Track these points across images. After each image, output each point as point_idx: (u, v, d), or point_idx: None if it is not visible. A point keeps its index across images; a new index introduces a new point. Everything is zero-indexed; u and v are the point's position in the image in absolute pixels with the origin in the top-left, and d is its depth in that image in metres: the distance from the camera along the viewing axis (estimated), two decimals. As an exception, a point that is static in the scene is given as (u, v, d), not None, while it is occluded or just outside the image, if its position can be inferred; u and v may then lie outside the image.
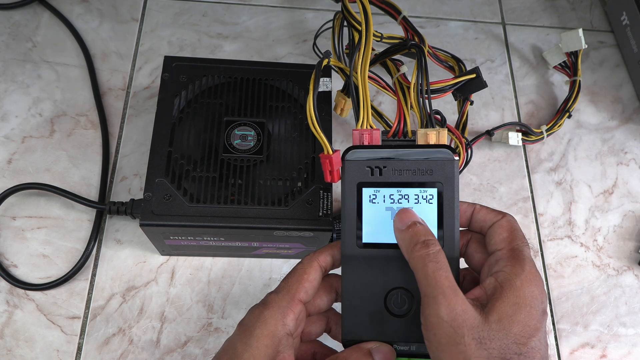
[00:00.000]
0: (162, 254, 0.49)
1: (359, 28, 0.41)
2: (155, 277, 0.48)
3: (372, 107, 0.45)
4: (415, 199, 0.33)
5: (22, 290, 0.47)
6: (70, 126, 0.54)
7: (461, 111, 0.50)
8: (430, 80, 0.39)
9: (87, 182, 0.51)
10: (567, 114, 0.58)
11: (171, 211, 0.41)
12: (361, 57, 0.39)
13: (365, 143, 0.35)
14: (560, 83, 0.64)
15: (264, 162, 0.44)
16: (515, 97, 0.62)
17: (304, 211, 0.42)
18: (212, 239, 0.44)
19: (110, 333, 0.46)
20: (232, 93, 0.46)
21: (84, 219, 0.50)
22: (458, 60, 0.49)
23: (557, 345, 0.50)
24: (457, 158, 0.33)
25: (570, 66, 0.61)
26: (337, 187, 0.53)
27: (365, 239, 0.33)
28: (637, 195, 0.58)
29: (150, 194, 0.41)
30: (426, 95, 0.36)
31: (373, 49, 0.41)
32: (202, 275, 0.49)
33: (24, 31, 0.58)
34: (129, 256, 0.49)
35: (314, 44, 0.59)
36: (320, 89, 0.47)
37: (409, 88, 0.39)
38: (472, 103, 0.50)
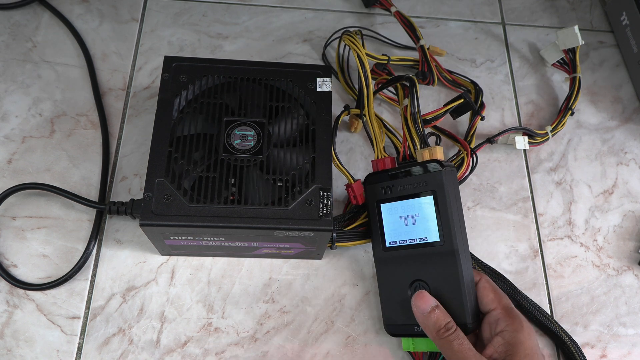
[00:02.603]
0: (162, 254, 0.49)
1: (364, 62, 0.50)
2: (155, 277, 0.48)
3: (387, 128, 0.55)
4: (419, 206, 0.43)
5: (22, 290, 0.47)
6: (70, 126, 0.54)
7: (471, 124, 0.55)
8: (425, 112, 0.48)
9: (87, 182, 0.51)
10: (570, 111, 0.58)
11: (171, 211, 0.41)
12: (366, 106, 0.50)
13: (380, 169, 0.46)
14: (560, 83, 0.64)
15: (264, 162, 0.44)
16: (515, 97, 0.62)
17: (304, 211, 0.42)
18: (212, 239, 0.44)
19: (110, 333, 0.46)
20: (232, 93, 0.46)
21: (84, 219, 0.50)
22: (475, 85, 0.57)
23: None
24: (444, 166, 0.41)
25: (568, 63, 0.61)
26: (336, 187, 0.53)
27: (387, 244, 0.44)
28: (637, 195, 0.58)
29: (150, 194, 0.41)
30: (420, 123, 0.45)
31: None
32: (202, 275, 0.49)
33: (24, 31, 0.58)
34: (129, 256, 0.49)
35: (323, 54, 0.60)
36: (319, 89, 0.47)
37: (406, 118, 0.47)
38: (482, 119, 0.54)
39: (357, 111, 0.52)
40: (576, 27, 0.57)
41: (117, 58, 0.58)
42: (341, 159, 0.56)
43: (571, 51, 0.60)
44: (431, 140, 0.53)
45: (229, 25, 0.62)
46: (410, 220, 0.43)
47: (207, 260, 0.49)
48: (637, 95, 0.64)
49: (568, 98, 0.59)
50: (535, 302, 0.50)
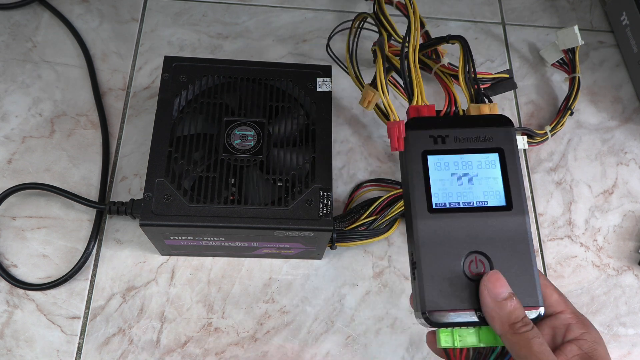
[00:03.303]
0: (162, 254, 0.49)
1: (388, 29, 0.46)
2: (155, 277, 0.48)
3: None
4: (479, 164, 0.35)
5: (22, 290, 0.47)
6: (70, 126, 0.54)
7: None
8: (479, 72, 0.45)
9: (87, 182, 0.51)
10: (569, 111, 0.58)
11: (171, 211, 0.41)
12: (412, 41, 0.43)
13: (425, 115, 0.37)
14: (559, 82, 0.63)
15: (264, 162, 0.44)
16: (515, 97, 0.62)
17: (304, 211, 0.42)
18: (212, 239, 0.44)
19: (110, 333, 0.46)
20: (232, 93, 0.46)
21: (84, 219, 0.50)
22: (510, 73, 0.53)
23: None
24: (514, 125, 0.35)
25: (568, 63, 0.61)
26: (337, 187, 0.53)
27: (435, 205, 0.35)
28: (637, 195, 0.58)
29: (150, 194, 0.41)
30: (474, 80, 0.40)
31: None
32: (202, 275, 0.49)
33: (24, 31, 0.58)
34: (129, 256, 0.49)
35: (328, 44, 0.59)
36: (319, 89, 0.47)
37: (451, 75, 0.42)
38: None
39: (389, 53, 0.46)
40: (576, 27, 0.57)
41: (117, 58, 0.58)
42: (341, 159, 0.56)
43: (571, 51, 0.60)
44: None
45: (229, 25, 0.62)
46: (466, 180, 0.35)
47: (207, 260, 0.49)
48: (637, 95, 0.64)
49: (567, 98, 0.59)
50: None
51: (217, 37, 0.61)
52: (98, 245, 0.49)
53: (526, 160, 0.58)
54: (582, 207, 0.57)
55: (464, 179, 0.35)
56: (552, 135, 0.57)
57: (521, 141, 0.56)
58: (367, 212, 0.49)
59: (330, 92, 0.47)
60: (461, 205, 0.35)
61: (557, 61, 0.62)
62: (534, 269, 0.33)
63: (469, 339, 0.33)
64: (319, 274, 0.50)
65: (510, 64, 0.64)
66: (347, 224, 0.49)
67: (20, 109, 0.54)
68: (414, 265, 0.34)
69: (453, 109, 0.38)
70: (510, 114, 0.61)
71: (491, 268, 0.33)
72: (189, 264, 0.49)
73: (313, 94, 0.47)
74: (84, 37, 0.58)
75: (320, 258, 0.50)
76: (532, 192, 0.57)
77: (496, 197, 0.35)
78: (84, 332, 0.46)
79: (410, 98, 0.39)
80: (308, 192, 0.43)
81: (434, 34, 0.65)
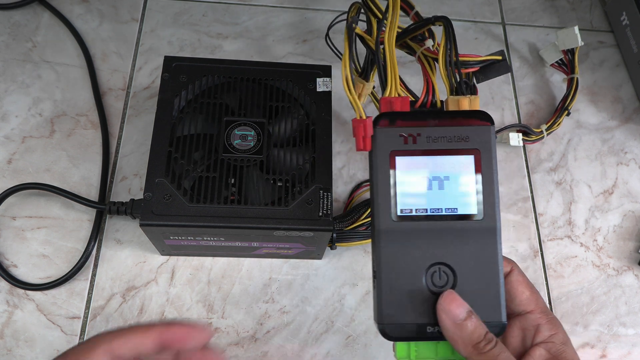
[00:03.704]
0: (162, 254, 0.49)
1: (379, 16, 0.41)
2: (155, 277, 0.48)
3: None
4: (452, 167, 0.32)
5: (22, 290, 0.47)
6: (70, 126, 0.54)
7: None
8: (464, 54, 0.38)
9: (87, 182, 0.51)
10: (566, 112, 0.58)
11: (171, 211, 0.41)
12: (389, 23, 0.38)
13: (396, 110, 0.33)
14: (559, 83, 0.63)
15: (264, 162, 0.44)
16: (515, 97, 0.62)
17: (304, 211, 0.42)
18: (212, 239, 0.44)
19: (110, 333, 0.46)
20: (232, 93, 0.46)
21: (84, 219, 0.50)
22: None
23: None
24: (493, 124, 0.32)
25: (567, 64, 0.61)
26: (337, 187, 0.53)
27: (399, 212, 0.32)
28: (637, 195, 0.58)
29: (150, 194, 0.41)
30: (455, 67, 0.35)
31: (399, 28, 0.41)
32: (202, 275, 0.49)
33: (24, 31, 0.58)
34: (129, 256, 0.49)
35: (327, 34, 0.58)
36: (319, 89, 0.47)
37: (435, 59, 0.38)
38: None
39: (364, 34, 0.42)
40: (576, 28, 0.57)
41: (117, 58, 0.58)
42: (341, 159, 0.56)
43: (570, 52, 0.60)
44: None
45: (229, 25, 0.62)
46: (437, 184, 0.32)
47: (207, 260, 0.49)
48: (637, 95, 0.64)
49: (565, 98, 0.59)
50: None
51: (217, 37, 0.61)
52: (98, 245, 0.49)
53: (526, 160, 0.58)
54: (582, 207, 0.57)
55: (434, 183, 0.32)
56: (548, 134, 0.57)
57: (516, 138, 0.56)
58: (367, 212, 0.49)
59: (330, 92, 0.47)
60: (428, 212, 0.32)
61: (556, 62, 0.62)
62: (499, 282, 0.31)
63: (426, 352, 0.32)
64: (319, 274, 0.50)
65: (510, 64, 0.64)
66: (347, 224, 0.49)
67: (20, 109, 0.54)
68: (374, 274, 0.32)
69: (430, 99, 0.35)
70: (510, 113, 0.61)
71: (455, 281, 0.31)
72: (189, 264, 0.49)
73: (313, 94, 0.47)
74: (84, 37, 0.58)
75: (320, 258, 0.50)
76: (532, 192, 0.57)
77: (467, 205, 0.32)
78: (84, 332, 0.46)
79: (383, 88, 0.35)
80: (308, 192, 0.43)
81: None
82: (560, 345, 0.31)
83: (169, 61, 0.47)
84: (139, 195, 0.50)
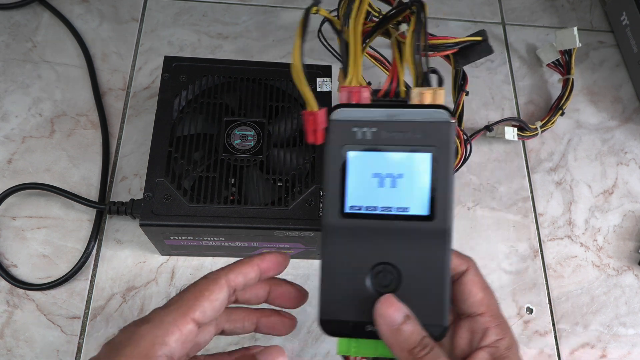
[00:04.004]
0: (162, 254, 0.49)
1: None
2: (155, 277, 0.48)
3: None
4: (406, 165, 0.31)
5: (22, 290, 0.47)
6: (70, 126, 0.54)
7: (456, 102, 0.48)
8: (433, 36, 0.36)
9: (87, 182, 0.51)
10: (560, 111, 0.59)
11: (171, 211, 0.41)
12: (357, 4, 0.36)
13: (354, 102, 0.32)
14: (560, 83, 0.63)
15: (264, 162, 0.44)
16: (515, 97, 0.62)
17: (304, 211, 0.42)
18: (212, 239, 0.44)
19: (110, 333, 0.46)
20: (232, 93, 0.46)
21: (84, 219, 0.50)
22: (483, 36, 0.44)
23: (557, 345, 0.50)
24: (454, 120, 0.30)
25: (563, 64, 0.61)
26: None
27: (348, 209, 0.31)
28: (637, 195, 0.58)
29: (150, 194, 0.41)
30: (423, 52, 0.32)
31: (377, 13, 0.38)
32: (203, 275, 0.49)
33: (24, 31, 0.58)
34: (129, 256, 0.49)
35: (319, 31, 0.57)
36: (319, 89, 0.47)
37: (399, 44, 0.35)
38: (467, 94, 0.47)
39: (331, 16, 0.39)
40: (575, 29, 0.57)
41: (117, 58, 0.58)
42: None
43: (567, 53, 0.60)
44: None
45: (229, 25, 0.62)
46: (389, 182, 0.31)
47: (207, 260, 0.49)
48: (637, 95, 0.64)
49: (559, 98, 0.59)
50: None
51: (217, 37, 0.61)
52: (98, 245, 0.49)
53: (526, 160, 0.58)
54: (582, 207, 0.57)
55: (386, 180, 0.31)
56: (542, 132, 0.58)
57: (511, 132, 0.56)
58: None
59: (330, 92, 0.47)
60: (378, 211, 0.31)
61: (553, 62, 0.62)
62: (444, 285, 0.30)
63: (366, 350, 0.32)
64: (319, 274, 0.50)
65: (510, 64, 0.64)
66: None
67: (20, 109, 0.54)
68: (321, 270, 0.31)
69: (395, 87, 0.33)
70: (510, 113, 0.61)
71: (400, 282, 0.30)
72: (189, 264, 0.49)
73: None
74: (84, 37, 0.58)
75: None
76: (532, 192, 0.57)
77: (419, 205, 0.31)
78: (84, 332, 0.46)
79: (344, 76, 0.33)
80: (308, 192, 0.43)
81: (434, 33, 0.65)
82: (504, 350, 0.30)
83: (169, 61, 0.47)
84: (139, 195, 0.50)
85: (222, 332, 0.33)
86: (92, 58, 0.57)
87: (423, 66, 0.32)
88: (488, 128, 0.56)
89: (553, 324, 0.51)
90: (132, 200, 0.47)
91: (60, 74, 0.56)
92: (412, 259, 0.30)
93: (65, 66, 0.57)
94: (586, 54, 0.66)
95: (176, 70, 0.46)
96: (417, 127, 0.30)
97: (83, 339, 0.45)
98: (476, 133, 0.56)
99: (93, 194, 0.51)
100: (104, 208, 0.48)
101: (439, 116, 0.30)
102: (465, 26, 0.66)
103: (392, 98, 0.33)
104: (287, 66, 0.48)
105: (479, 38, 0.39)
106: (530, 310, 0.51)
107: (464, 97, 0.49)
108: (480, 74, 0.63)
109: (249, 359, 0.29)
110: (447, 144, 0.30)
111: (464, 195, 0.55)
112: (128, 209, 0.47)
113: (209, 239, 0.44)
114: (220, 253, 0.49)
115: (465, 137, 0.49)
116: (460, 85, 0.47)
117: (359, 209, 0.31)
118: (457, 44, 0.39)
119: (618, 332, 0.51)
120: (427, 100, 0.31)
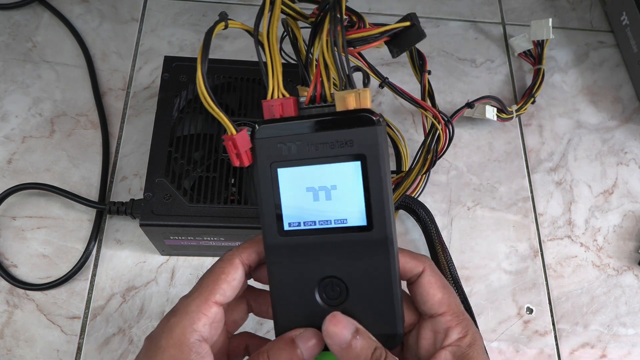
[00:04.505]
0: (162, 254, 0.49)
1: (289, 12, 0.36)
2: (155, 277, 0.48)
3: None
4: (337, 176, 0.29)
5: (22, 290, 0.47)
6: (70, 126, 0.54)
7: (421, 84, 0.46)
8: (352, 30, 0.33)
9: (87, 182, 0.51)
10: (532, 99, 0.60)
11: (171, 211, 0.41)
12: (265, 11, 0.33)
13: (277, 116, 0.30)
14: (560, 83, 0.64)
15: (264, 162, 0.44)
16: (515, 97, 0.62)
17: (304, 211, 0.42)
18: (212, 239, 0.44)
19: (110, 333, 0.46)
20: (232, 93, 0.46)
21: (84, 219, 0.50)
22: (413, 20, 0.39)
23: (557, 345, 0.50)
24: (381, 121, 0.29)
25: (535, 55, 0.62)
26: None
27: (286, 226, 0.30)
28: (637, 195, 0.58)
29: (150, 194, 0.41)
30: (342, 49, 0.30)
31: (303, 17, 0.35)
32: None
33: (24, 31, 0.58)
34: (129, 256, 0.49)
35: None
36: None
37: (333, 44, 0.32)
38: (429, 73, 0.45)
39: (243, 26, 0.36)
40: (550, 20, 0.58)
41: (117, 58, 0.58)
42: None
43: (540, 44, 0.62)
44: (356, 79, 0.34)
45: (229, 25, 0.62)
46: (324, 195, 0.30)
47: (207, 260, 0.49)
48: (637, 95, 0.64)
49: (531, 87, 0.60)
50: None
51: (217, 37, 0.61)
52: (98, 245, 0.49)
53: (526, 160, 0.58)
54: (582, 207, 0.57)
55: (320, 193, 0.30)
56: (516, 116, 0.58)
57: (491, 112, 0.56)
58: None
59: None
60: (317, 225, 0.30)
61: (524, 52, 0.63)
62: (393, 293, 0.30)
63: None
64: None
65: (510, 64, 0.64)
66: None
67: (20, 109, 0.54)
68: (270, 289, 0.31)
69: (319, 92, 0.31)
70: (510, 114, 0.61)
71: (347, 294, 0.30)
72: (189, 264, 0.49)
73: (313, 94, 0.47)
74: (84, 37, 0.58)
75: (320, 258, 0.50)
76: (532, 192, 0.57)
77: (356, 215, 0.30)
78: (84, 332, 0.46)
79: (266, 87, 0.31)
80: (308, 192, 0.43)
81: (434, 33, 0.65)
82: (465, 348, 0.30)
83: (169, 61, 0.47)
84: (139, 195, 0.50)
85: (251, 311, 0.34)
86: (92, 58, 0.57)
87: (345, 67, 0.30)
88: (469, 105, 0.55)
89: (553, 324, 0.51)
90: (132, 200, 0.47)
91: (60, 74, 0.56)
92: (356, 270, 0.30)
93: (65, 66, 0.57)
94: (586, 54, 0.66)
95: (176, 70, 0.46)
96: (342, 135, 0.29)
97: (83, 339, 0.45)
98: (457, 112, 0.55)
99: (93, 194, 0.51)
100: (104, 208, 0.48)
101: (364, 120, 0.29)
102: (465, 26, 0.66)
103: (320, 103, 0.31)
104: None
105: (407, 23, 0.36)
106: (530, 310, 0.51)
107: (428, 77, 0.46)
108: (480, 74, 0.63)
109: (288, 343, 0.29)
110: (376, 149, 0.29)
111: (464, 195, 0.55)
112: (128, 209, 0.47)
113: (208, 239, 0.44)
114: (220, 253, 0.48)
115: (446, 119, 0.47)
116: (420, 65, 0.45)
117: (298, 225, 0.30)
118: (382, 33, 0.36)
119: (618, 332, 0.51)
120: (351, 103, 0.29)
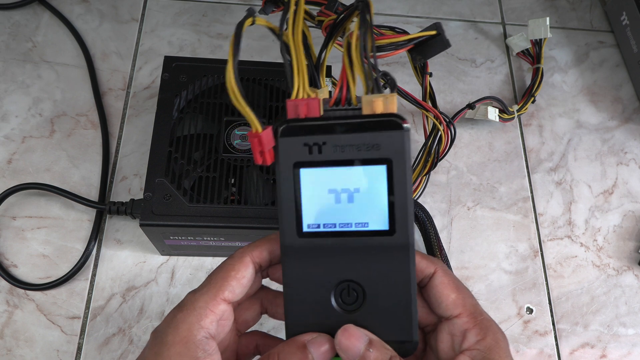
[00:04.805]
0: (162, 254, 0.49)
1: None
2: (155, 277, 0.48)
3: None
4: (361, 179, 0.29)
5: (22, 290, 0.47)
6: (70, 126, 0.54)
7: (423, 86, 0.46)
8: (381, 36, 0.33)
9: (87, 182, 0.51)
10: (532, 98, 0.60)
11: (171, 211, 0.41)
12: (292, 9, 0.32)
13: (302, 116, 0.30)
14: (560, 83, 0.64)
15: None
16: (515, 97, 0.62)
17: (304, 211, 0.42)
18: (212, 239, 0.44)
19: (110, 333, 0.46)
20: (232, 93, 0.46)
21: (84, 219, 0.50)
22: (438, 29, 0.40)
23: (557, 345, 0.50)
24: (407, 126, 0.29)
25: (533, 54, 0.62)
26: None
27: (305, 228, 0.30)
28: (637, 195, 0.58)
29: (150, 194, 0.41)
30: (371, 54, 0.30)
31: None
32: (202, 275, 0.49)
33: (24, 31, 0.58)
34: (129, 256, 0.49)
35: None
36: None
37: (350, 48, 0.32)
38: (431, 75, 0.45)
39: (269, 24, 0.35)
40: (547, 19, 0.58)
41: (117, 58, 0.58)
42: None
43: (538, 43, 0.61)
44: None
45: (229, 25, 0.62)
46: (346, 197, 0.30)
47: (207, 260, 0.49)
48: (637, 95, 0.64)
49: (531, 86, 0.60)
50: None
51: (217, 37, 0.61)
52: (98, 245, 0.49)
53: (526, 160, 0.58)
54: (582, 207, 0.57)
55: (342, 196, 0.30)
56: (518, 116, 0.59)
57: (494, 113, 0.57)
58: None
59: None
60: (337, 228, 0.30)
61: (522, 51, 0.63)
62: (410, 300, 0.29)
63: None
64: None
65: (510, 64, 0.64)
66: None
67: (20, 109, 0.54)
68: (284, 291, 0.31)
69: (345, 95, 0.30)
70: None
71: (364, 298, 0.30)
72: (189, 264, 0.49)
73: (313, 94, 0.47)
74: (84, 37, 0.58)
75: (320, 258, 0.50)
76: (532, 192, 0.57)
77: (378, 220, 0.29)
78: (84, 332, 0.46)
79: (290, 87, 0.31)
80: (308, 192, 0.43)
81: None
82: (485, 351, 0.29)
83: (169, 61, 0.47)
84: (139, 195, 0.50)
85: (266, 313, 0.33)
86: (92, 58, 0.57)
87: (372, 71, 0.30)
88: (470, 106, 0.55)
89: (553, 324, 0.51)
90: (132, 200, 0.47)
91: (60, 74, 0.56)
92: (375, 275, 0.30)
93: (65, 66, 0.57)
94: (586, 54, 0.66)
95: (176, 70, 0.46)
96: (369, 138, 0.29)
97: (83, 339, 0.45)
98: (459, 113, 0.55)
99: (93, 194, 0.51)
100: (104, 208, 0.48)
101: (393, 125, 0.29)
102: (465, 26, 0.66)
103: (344, 106, 0.31)
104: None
105: (433, 32, 0.37)
106: (530, 310, 0.51)
107: (429, 79, 0.46)
108: (480, 74, 0.63)
109: (300, 347, 0.29)
110: (402, 154, 0.29)
111: (464, 195, 0.55)
112: (128, 209, 0.47)
113: (208, 239, 0.44)
114: (220, 253, 0.49)
115: (447, 120, 0.47)
116: (421, 67, 0.45)
117: (317, 227, 0.30)
118: (409, 40, 0.37)
119: (618, 332, 0.51)
120: (379, 108, 0.29)
